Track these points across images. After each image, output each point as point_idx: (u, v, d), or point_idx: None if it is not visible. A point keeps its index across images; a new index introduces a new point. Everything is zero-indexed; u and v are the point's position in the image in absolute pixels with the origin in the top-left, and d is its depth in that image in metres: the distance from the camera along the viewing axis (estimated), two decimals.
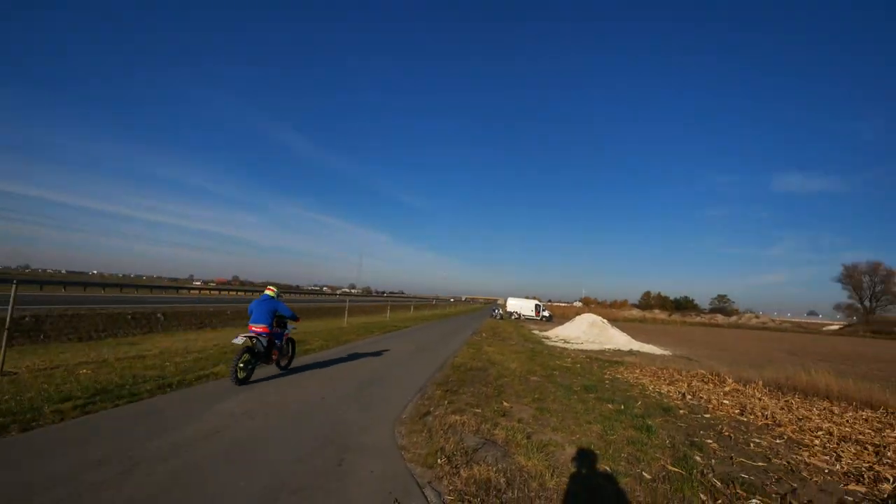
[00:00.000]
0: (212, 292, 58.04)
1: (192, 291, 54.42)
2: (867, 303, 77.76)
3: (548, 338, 24.63)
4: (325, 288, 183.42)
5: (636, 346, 21.90)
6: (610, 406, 7.72)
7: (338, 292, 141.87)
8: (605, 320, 26.80)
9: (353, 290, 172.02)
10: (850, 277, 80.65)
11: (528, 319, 48.92)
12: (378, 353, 12.15)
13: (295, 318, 8.81)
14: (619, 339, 23.12)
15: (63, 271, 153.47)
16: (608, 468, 4.56)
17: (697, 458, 5.12)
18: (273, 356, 8.18)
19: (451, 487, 3.81)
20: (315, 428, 5.23)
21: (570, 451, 5.09)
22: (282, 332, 8.61)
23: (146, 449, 4.25)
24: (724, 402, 8.64)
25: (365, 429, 5.32)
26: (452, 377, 9.13)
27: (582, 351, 18.30)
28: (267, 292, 8.59)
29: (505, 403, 7.18)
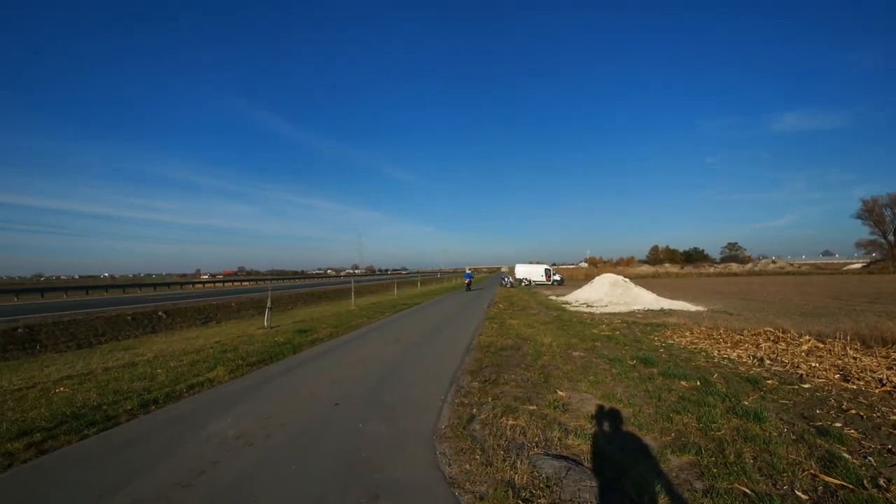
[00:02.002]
0: (223, 285, 57.33)
1: (197, 286, 53.66)
2: (891, 237, 75.28)
3: (568, 303, 23.36)
4: (329, 271, 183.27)
5: (666, 303, 20.57)
6: (684, 384, 6.40)
7: (342, 274, 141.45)
8: (626, 279, 25.40)
9: (356, 271, 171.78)
10: (870, 212, 77.68)
11: (539, 285, 47.74)
12: (394, 338, 10.89)
13: None
14: (645, 298, 21.78)
15: (76, 276, 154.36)
16: (746, 489, 3.23)
17: (846, 455, 3.79)
18: None
19: None
20: (330, 454, 3.94)
21: (676, 460, 3.77)
22: None
23: None
24: (814, 364, 7.30)
25: (396, 449, 4.02)
26: (486, 361, 7.83)
27: (611, 314, 17.01)
28: None
29: (560, 393, 5.88)
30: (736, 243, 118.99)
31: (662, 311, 17.98)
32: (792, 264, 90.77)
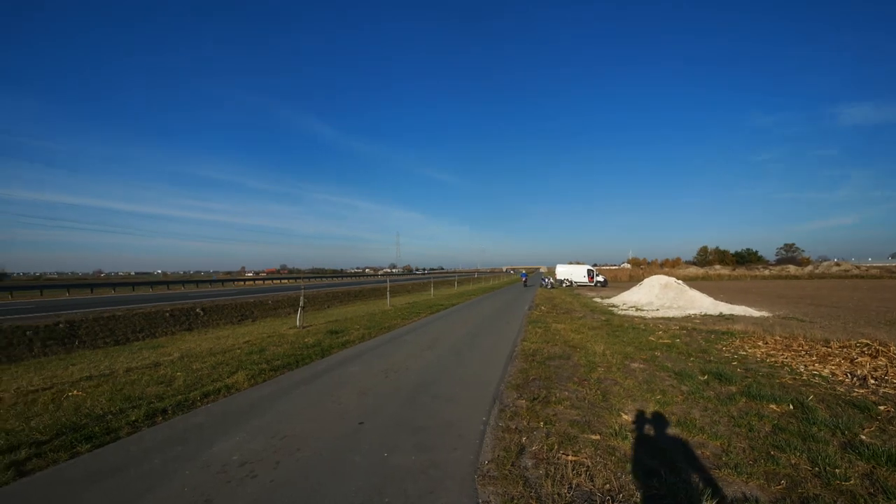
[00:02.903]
0: (265, 282, 58.86)
1: (239, 283, 55.23)
2: None
3: (615, 306, 21.86)
4: (367, 269, 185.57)
5: (725, 308, 18.75)
6: (774, 407, 5.26)
7: (380, 273, 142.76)
8: (680, 281, 23.52)
9: (394, 270, 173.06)
10: None
11: (581, 286, 45.83)
12: (430, 342, 10.11)
13: None
14: (702, 302, 19.98)
15: (133, 273, 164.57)
16: None
17: None
18: None
19: None
20: (344, 499, 3.16)
21: None
22: None
23: None
24: None
25: (427, 493, 3.20)
26: (532, 373, 6.89)
27: (665, 320, 15.56)
28: None
29: (624, 416, 4.88)
30: (793, 244, 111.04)
31: (723, 317, 16.30)
32: (858, 267, 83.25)
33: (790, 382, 6.57)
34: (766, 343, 9.79)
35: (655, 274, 29.31)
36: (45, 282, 54.12)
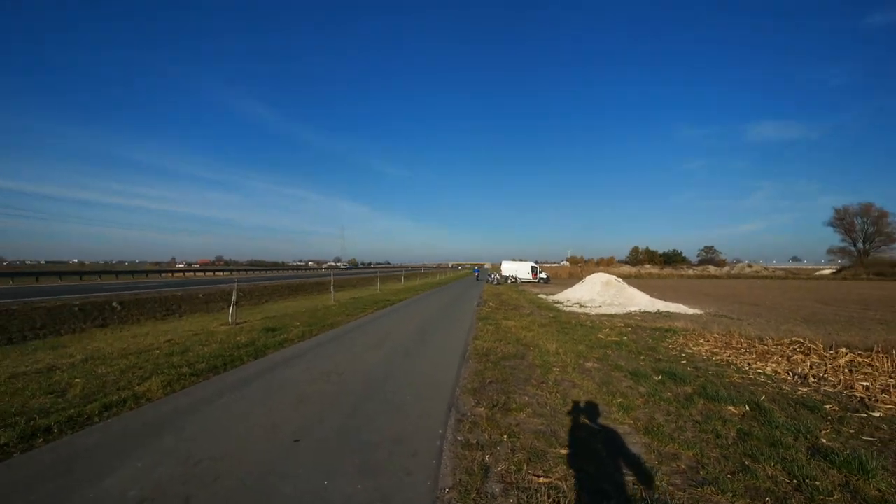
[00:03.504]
0: (196, 274, 54.76)
1: (173, 275, 51.04)
2: (860, 245, 77.11)
3: (559, 302, 22.26)
4: (310, 263, 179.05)
5: (661, 306, 19.61)
6: (733, 409, 5.21)
7: (324, 266, 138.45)
8: (619, 279, 24.43)
9: (339, 264, 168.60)
10: (841, 220, 79.68)
11: (526, 282, 46.81)
12: (376, 341, 9.45)
13: None
14: (640, 300, 20.79)
15: (42, 262, 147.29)
16: None
17: None
18: None
19: None
20: None
21: None
22: None
23: None
24: (866, 385, 6.25)
25: None
26: (488, 375, 6.48)
27: (609, 316, 15.90)
28: None
29: (590, 424, 4.56)
30: (712, 247, 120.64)
31: (661, 314, 16.97)
32: (766, 268, 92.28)
33: (739, 381, 6.65)
34: (708, 341, 10.10)
35: (592, 272, 30.38)
36: None
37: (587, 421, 4.63)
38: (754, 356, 8.44)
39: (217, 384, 5.98)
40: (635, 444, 4.12)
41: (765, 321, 15.14)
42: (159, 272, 50.59)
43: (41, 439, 4.07)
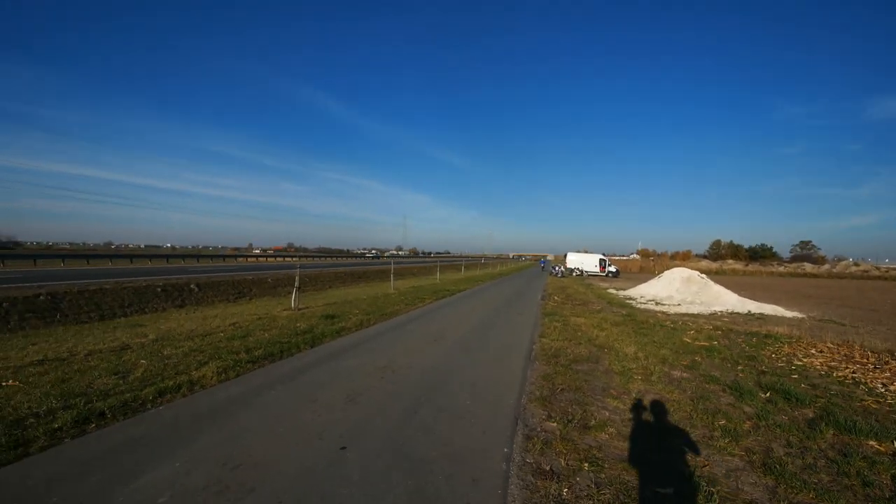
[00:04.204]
0: (269, 260, 58.22)
1: (249, 259, 54.61)
2: None
3: (632, 298, 20.59)
4: (373, 251, 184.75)
5: (753, 306, 17.42)
6: (875, 445, 4.09)
7: (385, 254, 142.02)
8: (702, 275, 22.15)
9: (400, 252, 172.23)
10: None
11: (593, 276, 44.47)
12: (435, 334, 8.96)
13: None
14: (727, 299, 18.65)
15: (142, 245, 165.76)
16: None
17: None
18: None
19: None
20: None
21: None
22: None
23: None
24: None
25: None
26: (558, 381, 5.73)
27: (690, 316, 14.29)
28: None
29: (689, 455, 3.70)
30: (809, 241, 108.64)
31: (753, 317, 14.99)
32: (878, 268, 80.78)
33: (875, 407, 5.35)
34: (821, 351, 8.54)
35: (666, 266, 27.94)
36: (55, 251, 53.80)
37: (686, 448, 3.77)
38: (887, 374, 6.91)
39: (270, 373, 5.78)
40: (754, 485, 3.23)
41: (887, 329, 12.83)
42: (236, 257, 54.27)
43: (94, 424, 3.98)
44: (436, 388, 5.21)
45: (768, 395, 5.63)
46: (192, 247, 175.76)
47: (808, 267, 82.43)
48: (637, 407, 4.79)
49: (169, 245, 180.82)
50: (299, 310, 12.20)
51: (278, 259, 61.06)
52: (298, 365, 6.24)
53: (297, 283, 12.85)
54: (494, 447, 3.58)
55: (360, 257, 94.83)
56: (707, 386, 5.92)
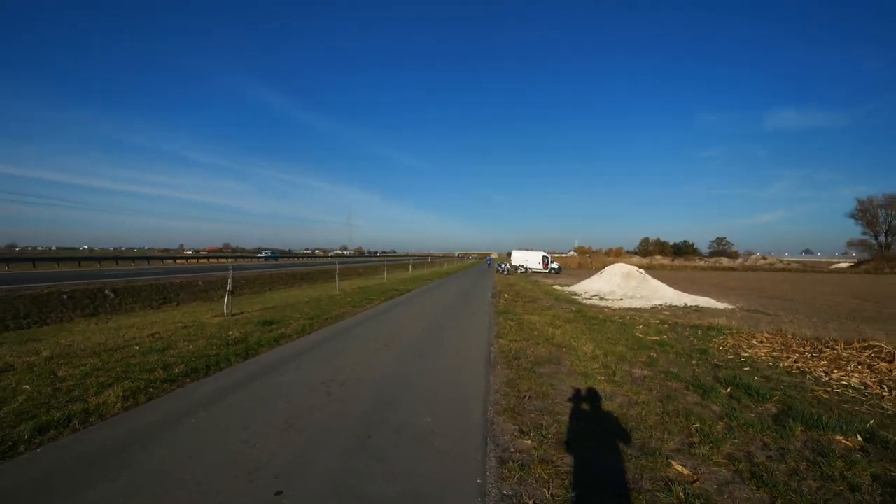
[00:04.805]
0: (204, 261, 54.07)
1: (179, 261, 50.33)
2: (882, 238, 74.72)
3: (577, 294, 21.01)
4: (317, 251, 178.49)
5: (688, 299, 18.32)
6: (842, 439, 4.03)
7: (329, 254, 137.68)
8: (641, 270, 23.11)
9: (345, 252, 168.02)
10: (864, 212, 77.22)
11: (536, 273, 45.51)
12: (385, 338, 8.32)
13: None
14: (664, 293, 19.51)
15: (54, 248, 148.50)
16: None
17: None
18: None
19: None
20: None
21: None
22: None
23: None
24: None
25: None
26: (522, 386, 5.32)
27: (634, 310, 14.67)
28: None
29: (678, 468, 3.39)
30: (724, 238, 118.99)
31: (690, 309, 15.69)
32: (781, 260, 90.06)
33: (825, 397, 5.45)
34: (761, 342, 8.88)
35: (602, 262, 29.04)
36: None
37: (671, 461, 3.46)
38: (825, 362, 7.21)
39: (191, 395, 4.88)
40: (750, 501, 2.95)
41: (806, 318, 13.83)
42: (165, 259, 49.85)
43: None
44: (389, 404, 4.60)
45: (729, 390, 5.57)
46: (115, 249, 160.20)
47: (725, 261, 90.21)
48: (609, 414, 4.47)
49: (86, 247, 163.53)
50: (233, 315, 11.03)
51: (213, 261, 56.88)
52: (227, 383, 5.36)
53: (229, 286, 11.62)
54: (465, 479, 3.04)
55: (302, 257, 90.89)
56: (670, 384, 5.78)
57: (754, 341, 8.94)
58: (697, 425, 4.28)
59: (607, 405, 4.74)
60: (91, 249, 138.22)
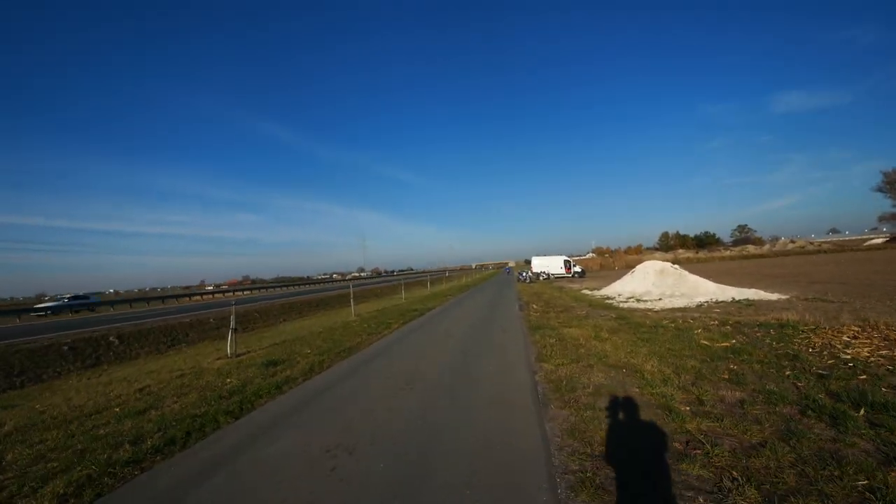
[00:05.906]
0: (224, 295, 53.82)
1: (195, 298, 50.05)
2: None
3: (610, 297, 19.46)
4: (334, 275, 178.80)
5: (734, 293, 16.60)
6: None
7: (347, 277, 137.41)
8: (676, 265, 21.42)
9: (362, 273, 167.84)
10: (892, 184, 73.33)
11: (559, 278, 43.80)
12: (405, 375, 7.06)
13: None
14: (707, 288, 17.80)
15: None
16: None
17: None
18: None
19: None
20: None
21: None
22: None
23: None
24: None
25: None
26: (594, 436, 3.99)
27: (679, 311, 13.12)
28: None
29: None
30: (746, 225, 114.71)
31: (741, 304, 14.03)
32: (812, 243, 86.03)
33: None
34: (856, 338, 7.35)
35: (624, 261, 27.38)
36: None
37: None
38: None
39: (156, 483, 3.68)
40: None
41: (880, 303, 12.14)
42: (181, 297, 49.64)
43: None
44: (415, 483, 3.33)
45: (863, 412, 4.17)
46: (139, 289, 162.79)
47: (752, 248, 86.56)
48: (726, 475, 3.13)
49: (111, 290, 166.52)
50: (237, 356, 9.93)
51: (233, 294, 56.57)
52: (207, 456, 4.17)
53: (232, 324, 10.52)
54: None
55: (319, 283, 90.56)
56: (778, 409, 4.40)
57: (845, 338, 7.42)
58: (865, 482, 2.92)
59: (720, 459, 3.39)
60: (117, 292, 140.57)
